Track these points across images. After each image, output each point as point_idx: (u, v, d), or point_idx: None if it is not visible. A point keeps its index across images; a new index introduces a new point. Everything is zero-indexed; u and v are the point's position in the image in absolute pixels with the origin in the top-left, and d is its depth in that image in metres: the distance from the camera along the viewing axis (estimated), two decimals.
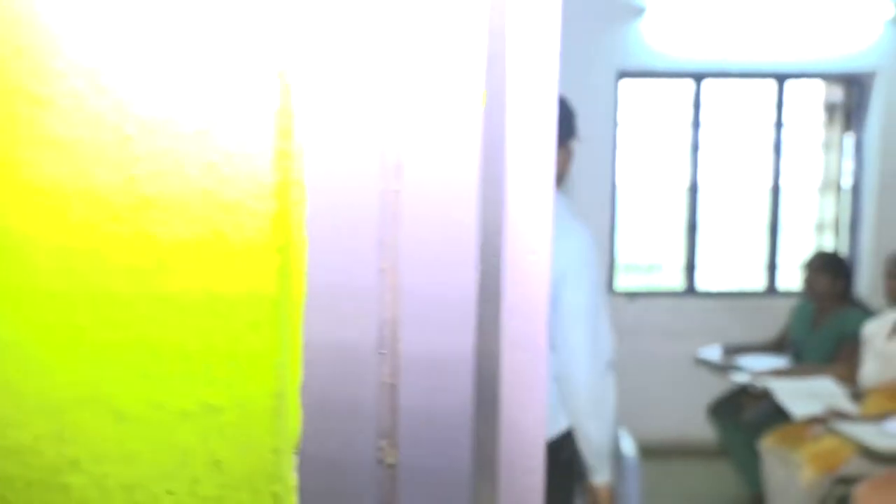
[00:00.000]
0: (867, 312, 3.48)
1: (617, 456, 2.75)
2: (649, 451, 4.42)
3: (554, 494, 1.83)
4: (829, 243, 4.66)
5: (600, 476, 1.85)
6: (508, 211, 0.41)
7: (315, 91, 0.39)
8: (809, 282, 3.57)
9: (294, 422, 0.39)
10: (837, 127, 4.63)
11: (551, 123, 0.42)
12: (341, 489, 0.39)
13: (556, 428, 1.83)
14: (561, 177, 1.90)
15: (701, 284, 4.60)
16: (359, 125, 0.40)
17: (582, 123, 4.54)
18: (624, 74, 4.40)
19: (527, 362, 0.40)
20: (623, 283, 4.62)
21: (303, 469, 0.39)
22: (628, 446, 2.82)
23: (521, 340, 0.40)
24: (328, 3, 0.40)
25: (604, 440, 1.82)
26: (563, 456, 1.85)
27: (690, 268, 4.58)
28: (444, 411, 0.39)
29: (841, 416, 2.98)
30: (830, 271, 3.51)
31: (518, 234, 0.41)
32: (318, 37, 0.39)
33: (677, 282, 4.63)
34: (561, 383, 1.79)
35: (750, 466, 3.43)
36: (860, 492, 2.61)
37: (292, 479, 0.40)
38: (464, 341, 0.38)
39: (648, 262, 4.68)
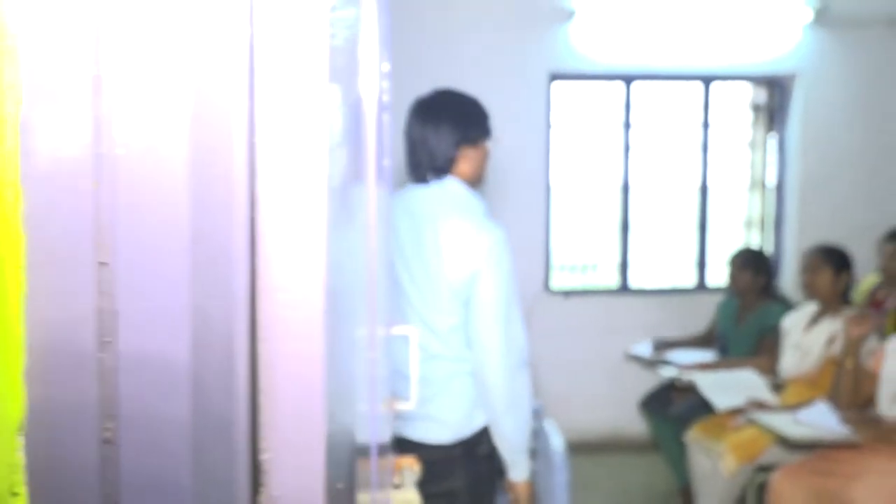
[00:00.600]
0: (787, 306, 3.62)
1: (545, 451, 2.81)
2: (585, 446, 4.52)
3: (475, 489, 1.87)
4: (756, 240, 4.82)
5: (517, 472, 1.89)
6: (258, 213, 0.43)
7: (28, 95, 0.40)
8: (733, 278, 3.69)
9: (18, 405, 0.41)
10: (763, 127, 4.79)
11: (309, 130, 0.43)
12: (66, 467, 0.41)
13: (475, 424, 1.87)
14: (476, 177, 1.94)
15: (634, 282, 4.71)
16: (74, 125, 0.41)
17: (515, 125, 4.63)
18: (555, 77, 4.48)
19: (276, 353, 0.42)
20: (559, 282, 4.69)
21: (29, 449, 0.41)
22: (557, 441, 2.88)
23: (272, 332, 0.43)
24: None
25: (519, 436, 1.85)
26: (482, 451, 1.88)
27: (624, 266, 4.68)
28: (161, 398, 0.41)
29: (762, 406, 3.09)
30: (753, 267, 3.63)
31: (269, 240, 0.43)
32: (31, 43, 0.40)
33: (612, 280, 4.73)
34: (476, 380, 1.83)
35: (678, 458, 3.53)
36: (775, 479, 2.71)
37: (19, 458, 0.41)
38: (179, 335, 0.41)
39: (583, 262, 4.76)
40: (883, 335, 3.19)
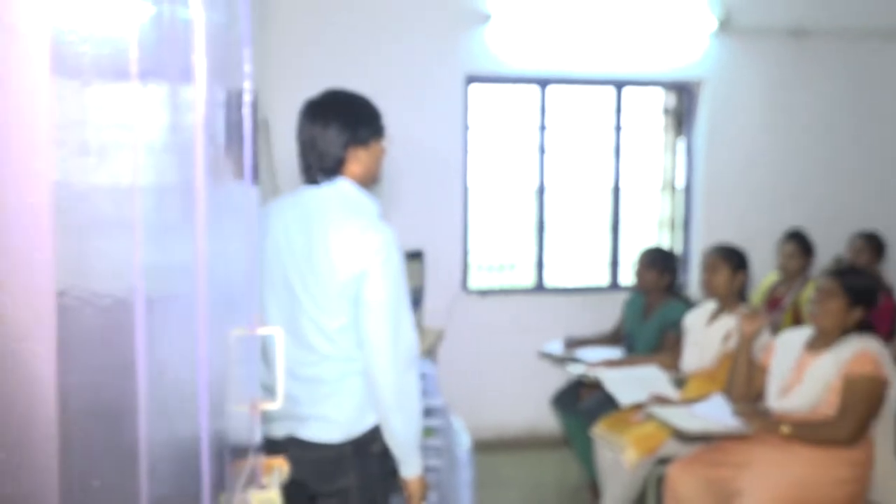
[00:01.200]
0: (689, 304, 3.75)
1: (451, 448, 2.85)
2: (502, 443, 4.60)
3: (367, 487, 1.89)
4: (666, 240, 4.98)
5: (409, 469, 1.91)
6: None
7: None
8: (639, 276, 3.80)
9: None
10: (672, 131, 4.94)
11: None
12: None
13: (367, 423, 1.89)
14: (368, 177, 1.95)
15: (549, 281, 4.80)
16: None
17: (432, 127, 4.66)
18: (472, 79, 4.53)
19: None
20: (476, 282, 4.75)
21: None
22: (463, 439, 2.92)
23: None
24: None
25: (409, 434, 1.87)
26: (375, 450, 1.90)
27: (539, 266, 4.77)
28: None
29: (663, 401, 3.19)
30: (659, 266, 3.75)
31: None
32: None
33: (528, 280, 4.81)
34: (367, 379, 1.84)
35: (587, 453, 3.61)
36: (671, 471, 2.81)
37: None
38: None
39: (500, 262, 4.83)
40: (779, 331, 3.35)
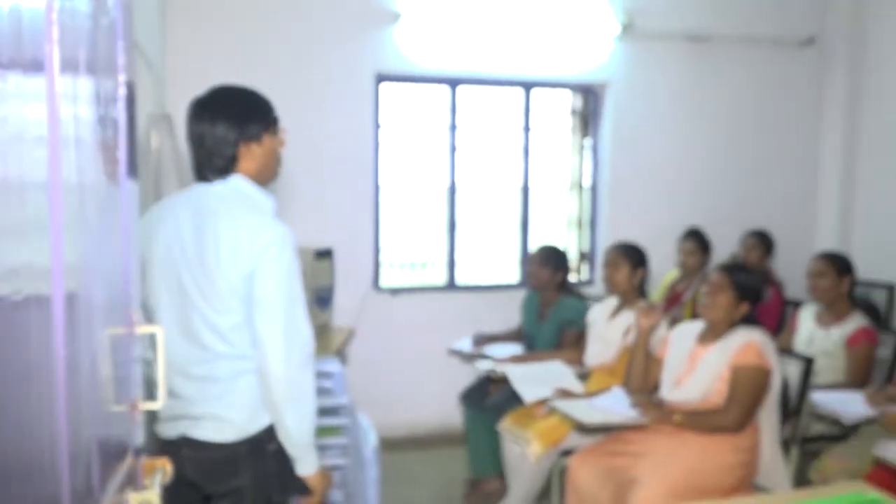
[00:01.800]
0: (583, 300, 3.86)
1: (357, 446, 2.85)
2: (414, 441, 4.62)
3: (262, 486, 1.87)
4: (574, 239, 5.11)
5: (304, 467, 1.91)
6: None
7: None
8: (533, 274, 3.87)
9: None
10: (580, 132, 5.08)
11: None
12: None
13: (262, 422, 1.87)
14: (263, 174, 1.94)
15: (461, 279, 4.85)
16: None
17: (343, 125, 4.63)
18: (383, 78, 4.54)
19: None
20: (388, 280, 4.76)
21: None
22: (369, 437, 2.93)
23: None
24: None
25: (303, 432, 1.86)
26: (271, 448, 1.89)
27: (451, 264, 4.82)
28: None
29: (567, 395, 3.27)
30: (551, 264, 3.83)
31: None
32: None
33: (440, 278, 4.85)
34: (260, 376, 1.83)
35: (484, 449, 3.68)
36: (572, 462, 2.89)
37: None
38: None
39: (412, 260, 4.85)
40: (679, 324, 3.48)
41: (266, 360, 1.79)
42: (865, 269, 4.31)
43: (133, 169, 1.18)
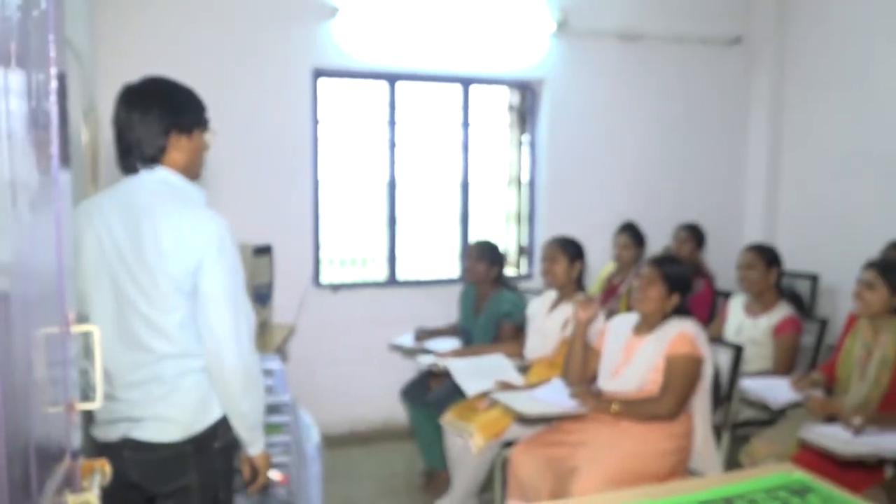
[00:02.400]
0: (518, 294, 3.92)
1: (300, 443, 2.83)
2: (356, 437, 4.62)
3: (209, 485, 1.85)
4: (513, 233, 5.17)
5: (255, 448, 1.95)
6: None
7: None
8: (470, 269, 3.91)
9: None
10: (517, 128, 5.14)
11: None
12: None
13: (207, 419, 1.86)
14: (191, 168, 1.91)
15: (401, 275, 4.86)
16: None
17: (280, 120, 4.58)
18: (320, 73, 4.50)
19: None
20: (329, 276, 4.73)
21: None
22: (312, 434, 2.91)
23: None
24: None
25: (257, 414, 1.90)
26: (217, 446, 1.87)
27: (392, 259, 4.82)
28: None
29: (509, 387, 3.31)
30: (487, 258, 3.87)
31: None
32: None
33: (381, 274, 4.85)
34: (211, 369, 1.81)
35: (432, 442, 3.70)
36: (513, 453, 2.93)
37: None
38: None
39: (352, 256, 4.84)
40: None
41: (218, 350, 1.79)
42: (790, 260, 4.49)
43: (66, 163, 1.15)
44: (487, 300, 3.87)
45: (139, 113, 1.82)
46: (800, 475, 1.82)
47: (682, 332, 2.79)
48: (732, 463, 3.25)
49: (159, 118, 1.82)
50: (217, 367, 1.81)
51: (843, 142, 4.80)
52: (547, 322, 3.54)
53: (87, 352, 1.76)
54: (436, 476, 3.84)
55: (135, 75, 1.91)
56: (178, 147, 1.86)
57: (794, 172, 5.22)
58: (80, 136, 3.21)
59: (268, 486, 2.10)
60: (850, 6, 4.74)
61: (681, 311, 2.90)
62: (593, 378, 3.08)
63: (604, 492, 2.47)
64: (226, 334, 1.79)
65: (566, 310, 3.45)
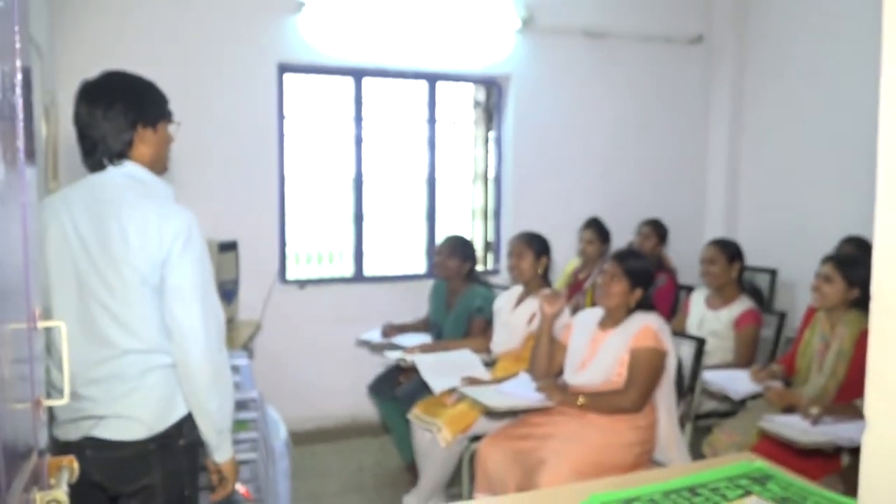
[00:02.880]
0: (490, 289, 3.95)
1: (267, 440, 2.82)
2: (324, 433, 4.60)
3: (173, 483, 1.82)
4: (480, 229, 5.19)
5: (223, 454, 1.90)
6: None
7: None
8: (441, 265, 3.92)
9: None
10: (483, 125, 5.16)
11: None
12: None
13: (172, 417, 1.83)
14: (158, 162, 1.90)
15: (368, 271, 4.85)
16: None
17: (246, 115, 4.54)
18: (286, 69, 4.47)
19: None
20: (295, 272, 4.70)
21: None
22: (279, 430, 2.90)
23: None
24: None
25: (226, 415, 1.86)
26: (181, 444, 1.85)
27: (358, 255, 4.81)
28: None
29: (476, 381, 3.34)
30: (459, 253, 3.90)
31: None
32: None
33: (347, 269, 4.83)
34: (178, 364, 1.79)
35: (404, 437, 3.71)
36: (481, 447, 2.95)
37: None
38: None
39: (319, 252, 4.82)
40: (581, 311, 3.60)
41: (185, 347, 1.77)
42: (750, 255, 4.58)
43: (32, 156, 1.13)
44: (459, 295, 3.89)
45: (102, 108, 1.79)
46: (760, 464, 1.86)
47: (645, 326, 2.84)
48: (695, 453, 3.32)
49: (124, 113, 1.80)
50: (183, 362, 1.79)
51: (801, 139, 4.91)
52: (513, 317, 3.57)
53: (49, 348, 1.74)
54: (417, 470, 3.83)
55: (96, 70, 1.88)
56: (145, 140, 1.84)
57: (753, 169, 5.33)
58: (42, 131, 3.16)
59: (231, 495, 2.05)
60: (808, 5, 4.85)
61: (645, 305, 2.95)
62: (559, 372, 3.12)
63: (571, 483, 2.51)
64: (193, 328, 1.77)
65: (532, 304, 3.48)
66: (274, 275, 4.47)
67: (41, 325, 1.13)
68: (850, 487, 2.47)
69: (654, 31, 5.22)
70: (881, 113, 0.80)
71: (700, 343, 3.23)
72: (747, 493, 1.68)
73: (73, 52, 3.85)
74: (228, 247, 3.76)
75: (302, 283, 4.59)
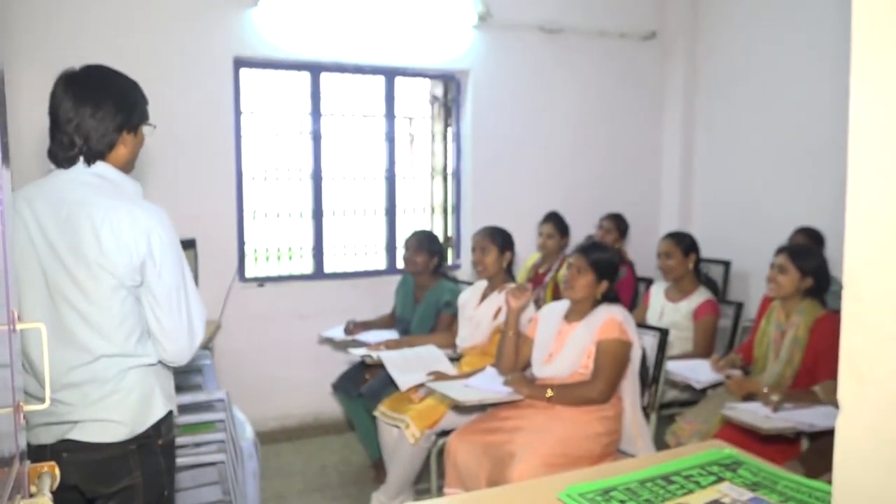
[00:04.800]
0: (456, 284, 3.96)
1: (235, 440, 2.78)
2: (286, 432, 4.55)
3: (154, 482, 1.79)
4: (439, 224, 5.20)
5: None
6: None
7: None
8: (409, 260, 3.92)
9: None
10: (442, 120, 5.16)
11: None
12: None
13: (151, 417, 1.81)
14: (130, 163, 1.86)
15: (328, 267, 4.81)
16: None
17: (201, 111, 4.45)
18: (242, 64, 4.40)
19: None
20: (253, 270, 4.64)
21: None
22: (246, 431, 2.86)
23: None
24: None
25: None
26: (161, 443, 1.83)
27: (318, 252, 4.77)
28: None
29: (442, 376, 3.34)
30: (426, 248, 3.90)
31: None
32: None
33: (307, 267, 4.79)
34: (161, 367, 1.78)
35: (370, 434, 3.70)
36: (450, 441, 2.96)
37: None
38: None
39: (278, 249, 4.75)
40: (542, 305, 3.64)
41: (168, 348, 1.77)
42: (704, 247, 4.67)
43: (6, 156, 1.09)
44: (427, 290, 3.89)
45: (91, 107, 1.73)
46: (729, 451, 1.91)
47: (611, 318, 2.88)
48: (659, 442, 3.38)
49: (113, 115, 1.75)
50: (167, 361, 1.81)
51: (752, 134, 5.04)
52: (479, 312, 3.58)
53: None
54: (383, 467, 3.82)
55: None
56: (125, 143, 1.80)
57: (706, 163, 5.45)
58: None
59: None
60: (759, 3, 4.97)
61: (610, 297, 2.99)
62: (525, 366, 3.14)
63: (541, 475, 2.53)
64: (176, 330, 1.76)
65: (498, 299, 3.50)
66: (233, 273, 4.40)
67: (20, 327, 1.10)
68: (811, 470, 2.56)
69: (609, 26, 5.29)
70: (851, 101, 0.81)
71: (664, 334, 3.29)
72: (720, 479, 1.72)
73: (23, 49, 3.72)
74: (186, 245, 3.68)
75: (261, 281, 4.53)
